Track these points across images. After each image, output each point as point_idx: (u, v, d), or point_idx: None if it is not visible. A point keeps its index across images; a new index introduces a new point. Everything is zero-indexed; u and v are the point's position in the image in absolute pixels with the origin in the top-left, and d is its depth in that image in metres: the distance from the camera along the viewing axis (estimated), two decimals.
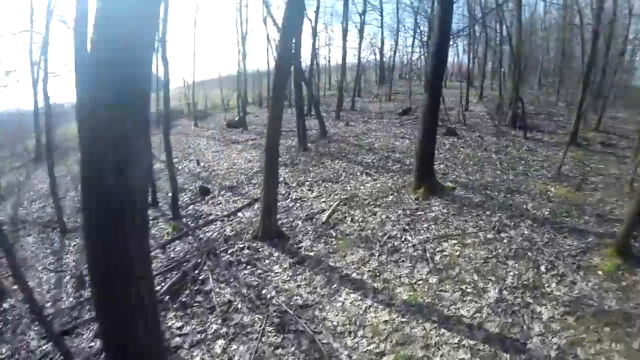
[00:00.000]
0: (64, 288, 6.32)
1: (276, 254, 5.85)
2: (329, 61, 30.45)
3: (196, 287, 5.25)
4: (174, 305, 4.92)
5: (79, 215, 9.32)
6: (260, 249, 6.04)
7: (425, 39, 22.18)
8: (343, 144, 11.67)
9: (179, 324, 4.59)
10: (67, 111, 21.06)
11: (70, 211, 9.80)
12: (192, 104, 22.46)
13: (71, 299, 5.89)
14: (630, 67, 18.90)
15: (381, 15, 24.33)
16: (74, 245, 8.06)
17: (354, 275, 5.10)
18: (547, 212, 6.23)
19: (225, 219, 7.52)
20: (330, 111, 17.56)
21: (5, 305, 6.04)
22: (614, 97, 15.94)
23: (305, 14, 11.34)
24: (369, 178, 8.51)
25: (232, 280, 5.33)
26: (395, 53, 26.99)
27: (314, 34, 15.33)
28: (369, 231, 6.12)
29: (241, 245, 6.20)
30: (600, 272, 4.59)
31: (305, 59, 17.66)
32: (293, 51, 8.70)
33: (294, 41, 8.21)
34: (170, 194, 8.33)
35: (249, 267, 5.61)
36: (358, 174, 8.88)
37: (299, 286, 5.05)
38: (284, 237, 6.32)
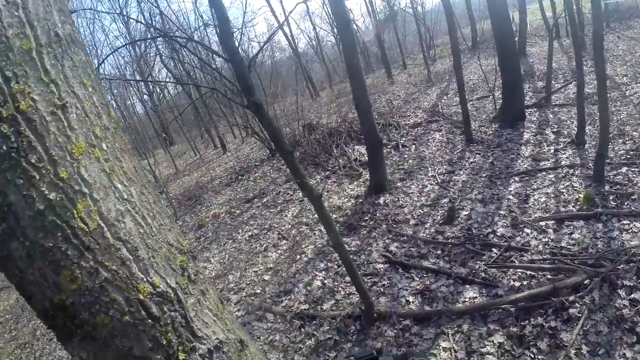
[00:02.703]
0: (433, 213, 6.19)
1: None
2: None
3: (552, 324, 3.53)
4: (524, 333, 3.58)
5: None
6: None
7: None
8: None
9: None
10: None
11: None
12: None
13: (432, 229, 5.73)
14: None
15: None
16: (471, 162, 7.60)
17: None
18: None
19: None
20: None
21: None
22: None
23: None
24: None
25: (601, 348, 3.19)
26: None
27: None
28: None
29: None
30: None
31: None
32: None
33: None
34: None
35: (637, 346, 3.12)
36: None
37: None
38: None
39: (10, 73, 0.71)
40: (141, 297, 0.88)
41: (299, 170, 3.53)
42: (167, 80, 20.41)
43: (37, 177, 0.73)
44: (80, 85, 0.81)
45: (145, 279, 0.89)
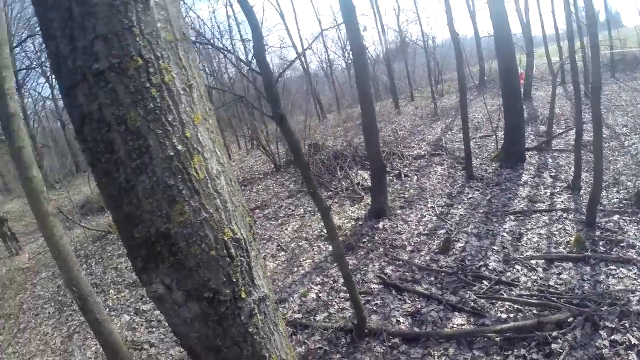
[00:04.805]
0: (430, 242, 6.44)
1: None
2: None
3: (534, 356, 3.71)
4: None
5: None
6: None
7: None
8: None
9: None
10: None
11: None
12: None
13: (427, 257, 5.97)
14: None
15: None
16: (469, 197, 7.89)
17: None
18: None
19: None
20: None
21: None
22: None
23: None
24: None
25: None
26: None
27: None
28: None
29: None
30: None
31: None
32: None
33: None
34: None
35: None
36: None
37: None
38: None
39: (159, 53, 0.99)
40: (225, 238, 1.13)
41: (313, 182, 3.80)
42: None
43: (171, 131, 0.99)
44: (197, 74, 1.09)
45: (228, 226, 1.15)
